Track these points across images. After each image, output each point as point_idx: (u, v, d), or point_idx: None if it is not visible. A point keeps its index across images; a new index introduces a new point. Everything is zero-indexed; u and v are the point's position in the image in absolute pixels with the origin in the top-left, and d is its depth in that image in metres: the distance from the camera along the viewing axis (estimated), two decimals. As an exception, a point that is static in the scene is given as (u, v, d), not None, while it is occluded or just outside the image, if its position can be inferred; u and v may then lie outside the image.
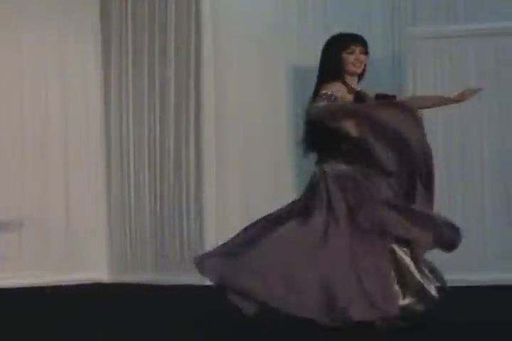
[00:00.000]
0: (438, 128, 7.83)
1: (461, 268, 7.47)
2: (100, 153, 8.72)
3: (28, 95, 8.41)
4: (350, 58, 4.98)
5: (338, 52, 5.03)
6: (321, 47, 8.75)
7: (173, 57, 8.38)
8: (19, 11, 8.32)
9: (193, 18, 8.29)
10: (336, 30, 8.63)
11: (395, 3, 8.59)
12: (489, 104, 7.78)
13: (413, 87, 7.89)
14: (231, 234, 8.07)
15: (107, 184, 8.69)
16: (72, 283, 8.09)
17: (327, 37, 8.74)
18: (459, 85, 7.79)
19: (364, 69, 5.09)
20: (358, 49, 5.01)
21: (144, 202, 8.47)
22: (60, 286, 7.89)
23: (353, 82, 5.03)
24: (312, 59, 8.69)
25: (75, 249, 8.47)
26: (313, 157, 5.22)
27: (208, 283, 7.78)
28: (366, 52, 5.05)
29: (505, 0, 8.21)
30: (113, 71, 8.73)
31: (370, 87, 8.42)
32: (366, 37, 8.68)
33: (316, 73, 8.57)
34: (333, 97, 4.90)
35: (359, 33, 8.79)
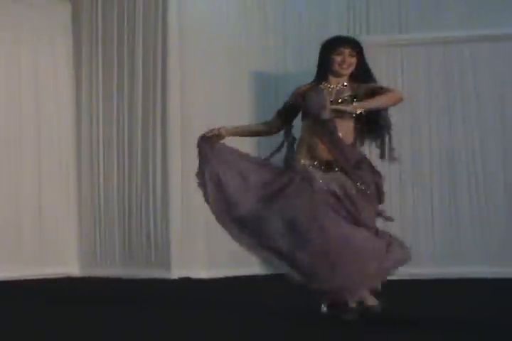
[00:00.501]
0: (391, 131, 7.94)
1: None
2: (71, 153, 8.71)
3: (1, 95, 8.35)
4: (338, 59, 4.92)
5: (328, 54, 4.98)
6: (281, 55, 8.90)
7: (141, 59, 8.40)
8: None
9: (160, 20, 8.31)
10: (294, 39, 8.84)
11: (350, 14, 8.77)
12: (438, 108, 7.95)
13: (367, 91, 7.97)
14: (196, 233, 8.20)
15: (77, 184, 8.69)
16: (44, 277, 8.10)
17: (286, 45, 8.93)
18: (411, 89, 7.98)
19: (365, 70, 5.04)
20: (346, 51, 4.93)
21: (112, 201, 8.50)
22: (33, 280, 7.89)
23: (338, 82, 4.98)
24: (273, 65, 8.85)
25: (47, 244, 8.46)
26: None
27: (173, 277, 7.95)
28: (358, 55, 4.98)
29: (452, 11, 8.43)
30: (84, 71, 8.71)
31: None
32: None
33: (276, 79, 8.71)
34: (287, 104, 5.12)
35: (315, 42, 8.88)
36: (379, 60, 7.87)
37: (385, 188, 5.11)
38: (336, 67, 4.94)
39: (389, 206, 7.91)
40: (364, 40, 8.06)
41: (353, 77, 5.00)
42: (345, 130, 4.92)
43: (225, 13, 8.64)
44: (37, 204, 8.48)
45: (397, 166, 7.89)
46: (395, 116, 8.00)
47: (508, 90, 7.84)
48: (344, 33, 8.48)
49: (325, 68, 5.00)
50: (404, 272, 7.66)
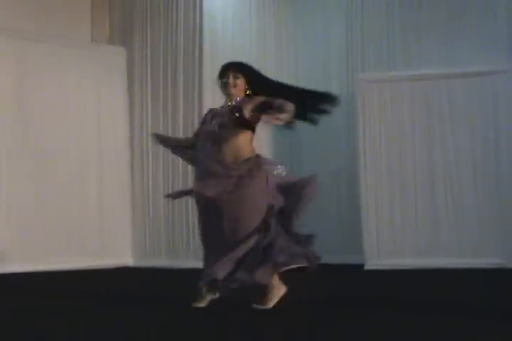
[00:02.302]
0: (382, 151, 8.07)
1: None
2: (126, 166, 8.79)
3: (71, 122, 8.44)
4: (224, 82, 4.77)
5: (220, 79, 4.81)
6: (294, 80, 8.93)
7: (182, 90, 8.50)
8: (63, 63, 8.36)
9: (196, 63, 8.38)
10: (304, 75, 8.88)
11: (348, 54, 8.85)
12: (420, 133, 7.99)
13: (362, 119, 8.05)
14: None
15: (131, 192, 8.78)
16: (105, 266, 8.20)
17: (296, 80, 8.99)
18: (397, 117, 8.04)
19: (260, 86, 4.80)
20: (231, 74, 4.76)
21: (159, 205, 8.61)
22: (96, 269, 7.97)
23: (232, 100, 4.75)
24: None
25: (107, 240, 8.55)
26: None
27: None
28: (245, 76, 4.78)
29: (431, 52, 8.47)
30: (136, 101, 8.83)
31: (329, 119, 8.62)
32: (326, 81, 8.94)
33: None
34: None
35: (320, 78, 8.86)
36: (371, 93, 8.04)
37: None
38: (225, 89, 4.78)
39: (380, 209, 8.05)
40: (359, 77, 8.22)
41: (252, 93, 4.80)
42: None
43: (247, 49, 8.75)
44: (98, 207, 8.57)
45: (387, 181, 8.03)
46: (385, 140, 8.09)
47: (477, 118, 7.87)
48: (343, 71, 8.69)
49: (222, 91, 4.83)
50: (394, 263, 7.84)
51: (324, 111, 4.90)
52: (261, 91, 4.80)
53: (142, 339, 3.69)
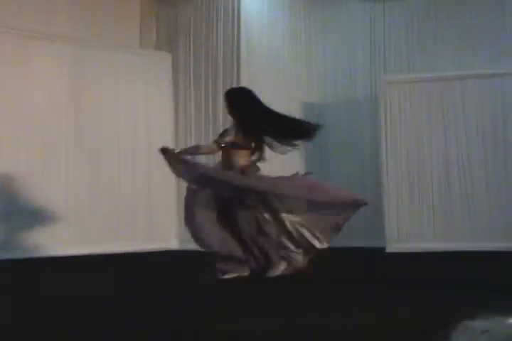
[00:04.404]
0: (402, 145, 8.11)
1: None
2: None
3: (122, 118, 8.58)
4: None
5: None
6: (320, 89, 8.93)
7: (221, 92, 8.59)
8: (115, 66, 8.51)
9: (235, 70, 8.52)
10: (332, 77, 8.95)
11: (371, 58, 8.95)
12: (437, 129, 8.02)
13: (385, 118, 8.12)
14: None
15: (176, 183, 8.59)
16: (152, 250, 8.24)
17: (325, 82, 8.97)
18: (417, 116, 8.07)
19: None
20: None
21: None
22: (145, 252, 8.04)
23: None
24: (315, 97, 8.92)
25: (154, 226, 8.65)
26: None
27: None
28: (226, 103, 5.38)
29: (447, 56, 8.55)
30: (180, 100, 8.94)
31: (355, 116, 8.71)
32: (352, 82, 8.92)
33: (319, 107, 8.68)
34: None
35: (346, 79, 8.88)
36: (392, 93, 8.09)
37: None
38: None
39: (401, 197, 8.06)
40: (382, 79, 8.30)
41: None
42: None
43: (280, 54, 8.90)
44: (147, 196, 8.67)
45: (407, 172, 8.09)
46: (405, 135, 8.08)
47: (488, 114, 7.92)
48: (368, 74, 8.77)
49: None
50: (412, 246, 7.83)
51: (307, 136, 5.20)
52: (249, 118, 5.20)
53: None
